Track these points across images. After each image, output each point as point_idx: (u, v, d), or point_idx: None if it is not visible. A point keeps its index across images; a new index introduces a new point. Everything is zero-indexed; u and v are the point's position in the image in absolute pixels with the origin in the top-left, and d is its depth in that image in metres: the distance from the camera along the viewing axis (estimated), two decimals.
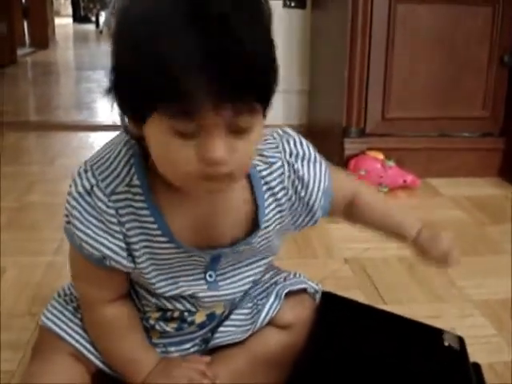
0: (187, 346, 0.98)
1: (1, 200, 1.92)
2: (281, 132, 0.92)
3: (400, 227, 1.00)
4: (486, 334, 1.25)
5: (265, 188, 0.88)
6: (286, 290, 0.97)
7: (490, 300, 1.38)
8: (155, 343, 0.97)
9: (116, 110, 0.75)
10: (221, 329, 0.97)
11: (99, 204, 0.81)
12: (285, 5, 2.79)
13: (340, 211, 1.00)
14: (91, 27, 9.12)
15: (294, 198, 0.91)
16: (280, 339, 0.96)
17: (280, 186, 0.89)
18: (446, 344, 0.95)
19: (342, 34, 2.17)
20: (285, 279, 1.01)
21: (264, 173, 0.88)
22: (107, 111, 3.25)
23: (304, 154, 0.90)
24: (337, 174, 0.98)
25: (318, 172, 0.91)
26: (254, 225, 0.89)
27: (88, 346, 0.93)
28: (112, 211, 0.81)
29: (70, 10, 9.96)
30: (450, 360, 0.94)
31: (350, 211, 1.00)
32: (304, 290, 1.01)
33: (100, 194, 0.81)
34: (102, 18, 9.03)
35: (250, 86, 0.68)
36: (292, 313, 0.97)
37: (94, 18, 9.37)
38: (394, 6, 2.11)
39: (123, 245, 0.83)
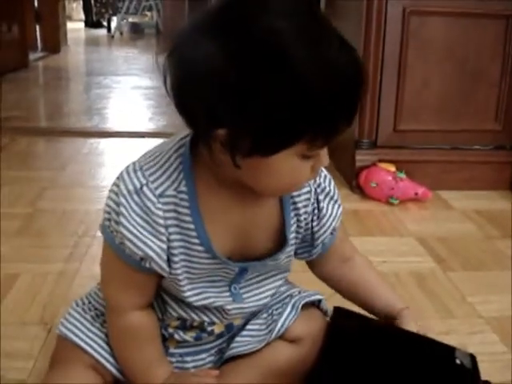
0: (203, 356, 0.99)
1: (14, 206, 1.94)
2: None
3: (387, 299, 1.03)
4: (496, 351, 1.24)
5: (292, 207, 0.92)
6: (303, 302, 0.99)
7: (501, 316, 1.37)
8: (172, 353, 0.98)
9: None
10: (237, 339, 0.98)
11: (148, 204, 0.81)
12: None
13: (329, 263, 1.04)
14: (103, 32, 9.14)
15: (308, 225, 0.95)
16: (290, 353, 0.97)
17: (304, 210, 0.93)
18: (458, 362, 0.94)
19: (355, 45, 2.16)
20: (299, 292, 1.02)
21: (294, 193, 0.91)
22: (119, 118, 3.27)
23: (329, 190, 0.95)
24: (344, 233, 1.05)
25: (334, 211, 0.96)
26: (279, 240, 0.92)
27: (106, 355, 0.94)
28: (160, 213, 0.82)
29: (82, 15, 9.97)
30: (461, 378, 0.93)
31: (339, 269, 1.04)
32: (315, 305, 1.03)
33: (150, 195, 0.82)
34: (113, 24, 9.06)
35: None
36: (302, 327, 0.98)
37: (105, 23, 9.39)
38: (408, 18, 2.11)
39: (165, 247, 0.84)
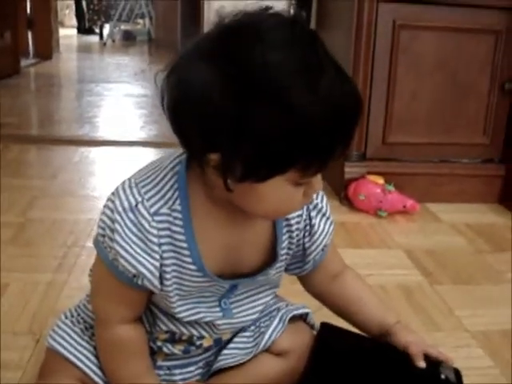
0: (191, 368, 0.99)
1: (4, 214, 1.93)
2: None
3: (377, 315, 1.03)
4: (482, 366, 1.25)
5: (285, 223, 0.93)
6: (290, 315, 0.99)
7: (488, 331, 1.38)
8: (160, 366, 0.98)
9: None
10: (224, 352, 0.98)
11: (143, 222, 0.82)
12: None
13: (319, 279, 1.04)
14: (95, 39, 9.13)
15: (300, 242, 0.96)
16: (276, 366, 0.98)
17: (296, 226, 0.94)
18: (443, 377, 0.95)
19: (344, 58, 2.19)
20: (286, 306, 1.03)
21: None
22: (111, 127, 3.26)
23: (322, 207, 0.96)
24: (334, 248, 1.05)
25: (326, 228, 0.97)
26: (270, 255, 0.93)
27: (94, 368, 0.95)
28: (154, 231, 0.82)
29: (74, 22, 9.95)
30: None
31: (329, 285, 1.04)
32: (302, 319, 1.03)
33: (145, 212, 0.82)
34: (105, 31, 9.05)
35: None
36: (289, 340, 0.98)
37: (98, 30, 9.38)
38: (398, 32, 2.12)
39: (158, 265, 0.84)
